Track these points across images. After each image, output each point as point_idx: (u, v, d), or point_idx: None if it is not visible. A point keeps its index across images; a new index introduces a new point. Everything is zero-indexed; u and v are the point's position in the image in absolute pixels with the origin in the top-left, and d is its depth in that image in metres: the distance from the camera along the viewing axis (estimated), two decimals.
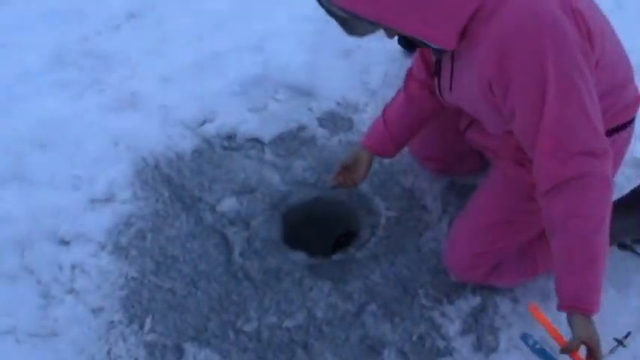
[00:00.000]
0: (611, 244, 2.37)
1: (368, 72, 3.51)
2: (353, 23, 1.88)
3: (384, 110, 2.56)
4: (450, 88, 2.15)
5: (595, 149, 1.84)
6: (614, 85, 2.07)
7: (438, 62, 2.17)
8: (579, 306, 1.86)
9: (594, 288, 1.88)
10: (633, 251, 2.53)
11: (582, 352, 1.82)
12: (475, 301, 2.44)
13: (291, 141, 3.14)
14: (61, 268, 2.61)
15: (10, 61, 3.70)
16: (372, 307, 2.43)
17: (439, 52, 2.07)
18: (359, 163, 2.55)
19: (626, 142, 2.28)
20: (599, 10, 2.02)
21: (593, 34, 1.86)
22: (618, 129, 2.17)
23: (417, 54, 2.45)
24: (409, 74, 2.51)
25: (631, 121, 2.22)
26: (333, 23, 3.52)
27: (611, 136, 2.09)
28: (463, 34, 1.87)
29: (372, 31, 1.93)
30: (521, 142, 1.96)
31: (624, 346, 1.99)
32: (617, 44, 2.10)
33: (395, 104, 2.53)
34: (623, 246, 2.53)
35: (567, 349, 1.81)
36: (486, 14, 1.83)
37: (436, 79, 2.23)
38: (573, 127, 1.83)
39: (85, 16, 4.07)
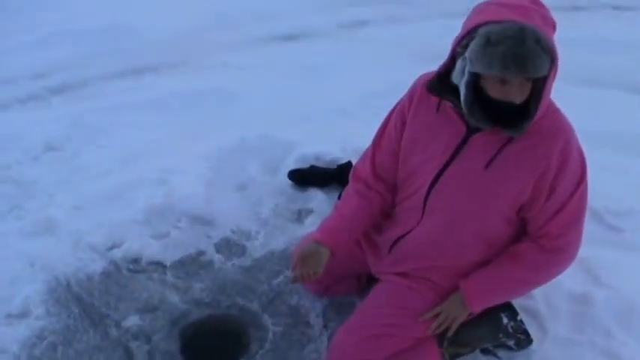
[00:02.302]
0: (472, 350, 2.67)
1: (260, 204, 3.72)
2: (544, 57, 2.00)
3: (337, 207, 2.66)
4: (487, 166, 2.24)
5: (567, 248, 2.38)
6: None
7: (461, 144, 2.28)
8: (470, 293, 2.42)
9: (489, 298, 2.47)
10: (495, 355, 2.72)
11: None
12: None
13: (191, 265, 3.32)
14: None
15: None
16: None
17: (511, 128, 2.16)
18: (318, 255, 2.49)
19: None
20: None
21: None
22: None
23: (368, 158, 2.61)
24: (355, 176, 2.65)
25: None
26: (226, 160, 3.76)
27: None
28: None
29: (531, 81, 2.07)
30: (538, 215, 2.31)
31: None
32: None
33: (347, 201, 2.62)
34: (485, 351, 2.72)
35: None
36: (551, 110, 2.21)
37: (434, 163, 2.36)
38: (574, 225, 2.33)
39: (6, 146, 4.22)
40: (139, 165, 4.05)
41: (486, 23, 2.04)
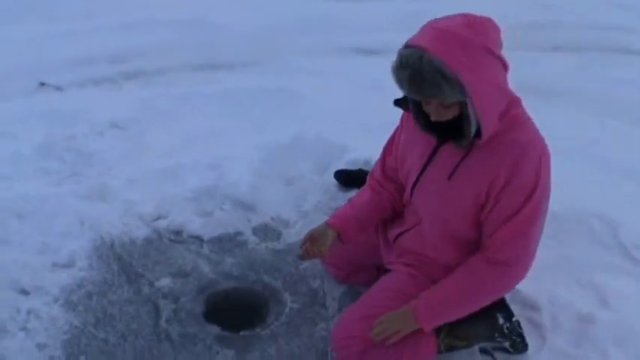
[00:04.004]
0: (470, 346, 2.92)
1: (304, 198, 4.13)
2: (443, 84, 2.18)
3: (351, 199, 3.01)
4: (450, 178, 2.53)
5: (512, 262, 2.53)
6: None
7: (442, 153, 2.56)
8: (418, 310, 2.62)
9: (438, 313, 2.64)
10: (492, 356, 2.98)
11: None
12: None
13: (227, 242, 3.76)
14: (18, 310, 3.12)
15: (3, 147, 4.39)
16: None
17: (462, 143, 2.40)
18: (325, 236, 2.84)
19: None
20: None
21: None
22: None
23: (380, 161, 2.99)
24: (370, 175, 3.01)
25: None
26: (279, 154, 4.20)
27: None
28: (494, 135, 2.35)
29: (440, 96, 2.24)
30: (486, 224, 2.52)
31: None
32: None
33: (361, 194, 2.98)
34: (484, 351, 2.98)
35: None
36: (512, 124, 2.38)
37: (414, 169, 2.68)
38: (519, 239, 2.48)
39: (75, 120, 4.77)
40: (196, 149, 4.54)
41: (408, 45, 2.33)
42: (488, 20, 2.28)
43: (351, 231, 2.93)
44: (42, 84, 5.66)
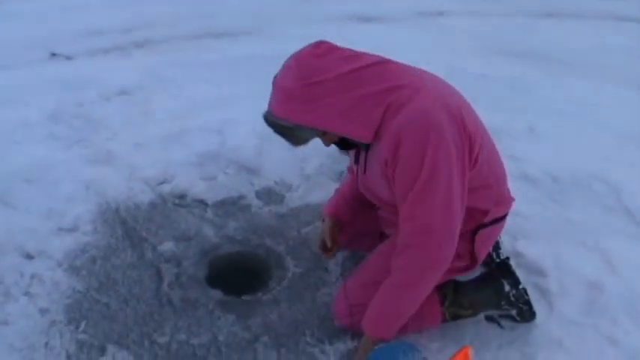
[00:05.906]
0: (476, 314, 2.70)
1: (306, 161, 3.86)
2: (297, 133, 2.30)
3: (338, 188, 2.98)
4: (365, 172, 2.53)
5: (436, 231, 2.28)
6: (492, 181, 2.52)
7: (358, 152, 2.56)
8: (366, 328, 2.46)
9: (387, 321, 2.44)
10: (498, 324, 2.72)
11: None
12: (351, 344, 2.68)
13: (230, 206, 3.51)
14: (22, 275, 2.90)
15: (15, 113, 4.15)
16: (265, 338, 2.70)
17: (363, 145, 2.43)
18: (327, 229, 2.86)
19: (499, 231, 2.70)
20: (482, 126, 2.48)
21: (473, 139, 2.32)
22: (497, 220, 2.60)
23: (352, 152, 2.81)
24: (349, 167, 2.93)
25: (504, 216, 2.65)
26: None
27: (491, 224, 2.58)
28: (377, 131, 2.29)
29: (311, 137, 2.37)
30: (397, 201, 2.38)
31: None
32: (495, 153, 2.57)
33: (346, 180, 2.94)
34: (490, 319, 2.74)
35: None
36: (392, 112, 2.25)
37: (356, 165, 2.63)
38: (428, 210, 2.27)
39: (83, 87, 4.52)
40: (201, 114, 4.27)
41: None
42: (316, 48, 2.25)
43: (345, 216, 2.90)
44: (53, 54, 5.42)
